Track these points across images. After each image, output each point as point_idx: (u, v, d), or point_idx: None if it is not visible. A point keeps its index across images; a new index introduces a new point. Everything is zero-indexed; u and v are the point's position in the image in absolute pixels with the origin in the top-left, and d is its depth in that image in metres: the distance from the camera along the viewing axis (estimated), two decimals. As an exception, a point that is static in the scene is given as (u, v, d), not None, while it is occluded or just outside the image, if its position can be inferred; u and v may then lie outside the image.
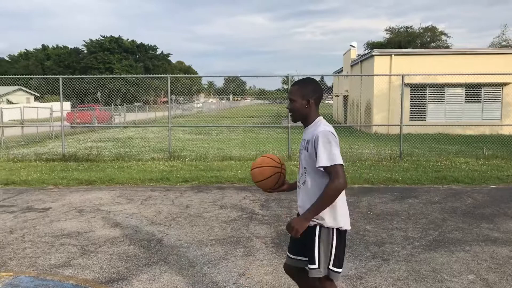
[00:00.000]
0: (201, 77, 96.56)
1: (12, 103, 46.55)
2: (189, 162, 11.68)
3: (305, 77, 3.05)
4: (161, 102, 52.01)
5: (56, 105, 23.01)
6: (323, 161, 2.55)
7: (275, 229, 5.81)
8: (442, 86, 22.62)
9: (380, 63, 23.06)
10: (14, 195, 8.16)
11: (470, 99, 22.71)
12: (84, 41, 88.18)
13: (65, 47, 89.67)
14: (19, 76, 15.88)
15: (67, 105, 39.18)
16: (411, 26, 54.86)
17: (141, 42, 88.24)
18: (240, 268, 4.48)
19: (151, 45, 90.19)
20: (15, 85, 56.34)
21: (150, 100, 53.63)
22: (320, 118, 2.79)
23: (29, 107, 26.63)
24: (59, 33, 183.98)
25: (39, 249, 5.11)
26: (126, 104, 36.00)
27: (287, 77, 14.25)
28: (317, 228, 2.66)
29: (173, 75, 14.41)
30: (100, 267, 4.55)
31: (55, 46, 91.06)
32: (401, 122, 12.54)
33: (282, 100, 57.89)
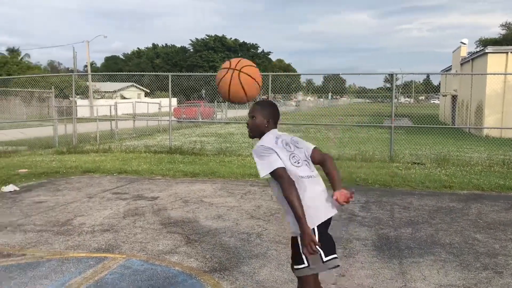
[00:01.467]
0: (300, 75, 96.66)
1: (125, 98, 50.31)
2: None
3: (266, 99, 3.27)
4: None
5: (164, 101, 24.44)
6: (261, 172, 2.74)
7: (376, 232, 5.64)
8: None
9: (494, 61, 21.34)
10: (126, 183, 8.81)
11: None
12: (191, 40, 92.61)
13: (173, 46, 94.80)
14: (132, 73, 17.13)
15: (174, 101, 41.43)
16: (532, 21, 49.91)
17: (243, 41, 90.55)
18: (339, 269, 4.41)
19: (252, 44, 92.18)
20: (128, 81, 60.78)
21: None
22: (267, 132, 2.94)
23: (140, 102, 28.56)
24: (168, 33, 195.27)
25: (148, 235, 5.46)
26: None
27: (390, 75, 13.76)
28: (298, 238, 2.74)
29: (275, 73, 14.58)
30: (203, 256, 4.74)
31: (164, 45, 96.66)
32: (518, 125, 11.52)
33: (384, 99, 55.87)
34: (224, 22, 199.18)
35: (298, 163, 2.85)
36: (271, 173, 2.73)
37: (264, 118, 2.94)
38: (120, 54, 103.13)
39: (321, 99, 70.94)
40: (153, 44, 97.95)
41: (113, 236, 5.41)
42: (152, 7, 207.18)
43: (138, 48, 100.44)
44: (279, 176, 2.71)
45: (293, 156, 2.86)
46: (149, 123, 23.42)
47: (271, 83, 13.10)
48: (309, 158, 2.96)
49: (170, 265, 4.47)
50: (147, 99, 44.77)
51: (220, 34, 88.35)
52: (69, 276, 4.17)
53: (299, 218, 2.65)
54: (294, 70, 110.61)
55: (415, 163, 11.12)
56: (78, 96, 39.18)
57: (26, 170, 9.99)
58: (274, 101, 3.03)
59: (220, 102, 37.45)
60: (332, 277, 4.19)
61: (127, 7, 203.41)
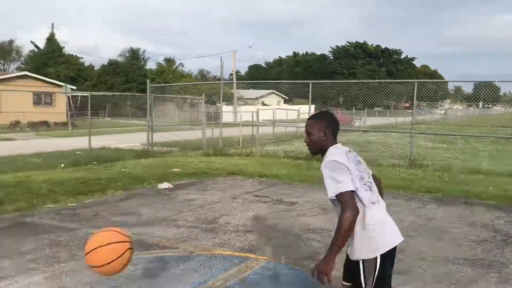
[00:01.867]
0: (447, 82, 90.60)
1: (266, 105, 52.19)
2: (432, 172, 11.09)
3: (320, 111, 3.08)
4: (403, 108, 50.76)
5: (303, 108, 24.87)
6: (329, 192, 2.58)
7: (538, 259, 5.02)
8: None
9: None
10: (266, 187, 9.12)
11: None
12: (331, 47, 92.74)
13: (313, 54, 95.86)
14: (273, 81, 17.70)
15: (311, 108, 41.86)
16: None
17: (385, 47, 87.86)
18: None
19: (395, 50, 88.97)
20: (269, 89, 63.00)
21: (391, 105, 52.95)
22: (332, 147, 2.78)
23: (280, 109, 29.36)
24: (308, 41, 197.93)
25: (288, 239, 5.59)
26: (367, 108, 36.39)
27: (558, 82, 12.19)
28: (360, 262, 2.66)
29: (420, 80, 13.90)
30: (342, 266, 4.69)
31: (304, 53, 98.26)
32: None
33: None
34: (365, 29, 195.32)
35: (367, 186, 2.69)
36: (338, 195, 2.54)
37: (321, 131, 2.79)
38: (262, 62, 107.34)
39: (471, 108, 65.55)
40: (294, 53, 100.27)
41: (255, 237, 5.64)
42: (294, 16, 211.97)
43: (279, 56, 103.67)
44: (346, 202, 2.51)
45: (362, 178, 2.69)
46: (287, 129, 23.96)
47: (416, 91, 12.50)
48: (372, 180, 2.81)
49: (308, 272, 4.51)
50: (286, 106, 45.90)
51: (361, 41, 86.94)
52: (216, 271, 4.46)
53: (337, 247, 2.50)
54: (441, 77, 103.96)
55: None
56: (224, 103, 41.76)
57: (179, 169, 10.93)
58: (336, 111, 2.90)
59: (359, 110, 36.79)
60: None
61: (270, 16, 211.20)
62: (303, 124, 2.99)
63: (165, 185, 8.93)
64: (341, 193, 2.53)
